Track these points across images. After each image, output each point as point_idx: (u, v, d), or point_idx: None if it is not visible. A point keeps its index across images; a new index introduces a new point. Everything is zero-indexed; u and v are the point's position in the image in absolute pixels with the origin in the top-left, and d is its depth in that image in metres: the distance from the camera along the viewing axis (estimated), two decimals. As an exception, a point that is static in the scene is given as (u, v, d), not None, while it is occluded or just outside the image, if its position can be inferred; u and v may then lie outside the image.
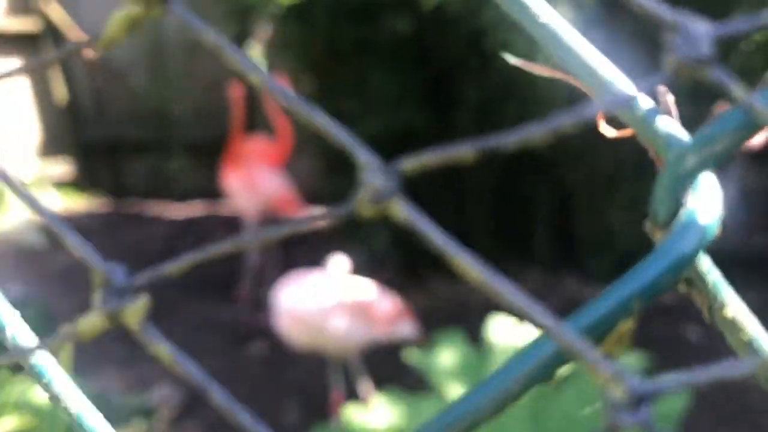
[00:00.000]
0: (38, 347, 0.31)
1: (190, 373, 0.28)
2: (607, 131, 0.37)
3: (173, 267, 0.29)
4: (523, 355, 0.27)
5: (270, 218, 3.89)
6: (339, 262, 2.75)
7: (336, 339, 2.63)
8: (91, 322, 0.28)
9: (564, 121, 0.23)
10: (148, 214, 5.24)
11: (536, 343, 0.27)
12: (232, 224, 4.96)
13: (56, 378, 0.33)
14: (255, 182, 3.72)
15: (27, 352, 0.33)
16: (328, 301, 2.61)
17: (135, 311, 0.28)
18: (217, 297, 4.09)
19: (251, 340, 3.70)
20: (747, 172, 3.69)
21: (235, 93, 3.80)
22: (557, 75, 0.38)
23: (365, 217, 0.25)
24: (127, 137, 5.13)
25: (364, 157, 0.25)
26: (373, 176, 0.25)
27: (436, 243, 0.25)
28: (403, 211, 0.25)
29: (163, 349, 0.29)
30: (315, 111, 0.27)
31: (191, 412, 3.23)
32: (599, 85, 0.33)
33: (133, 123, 5.38)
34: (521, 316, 0.24)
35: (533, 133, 0.24)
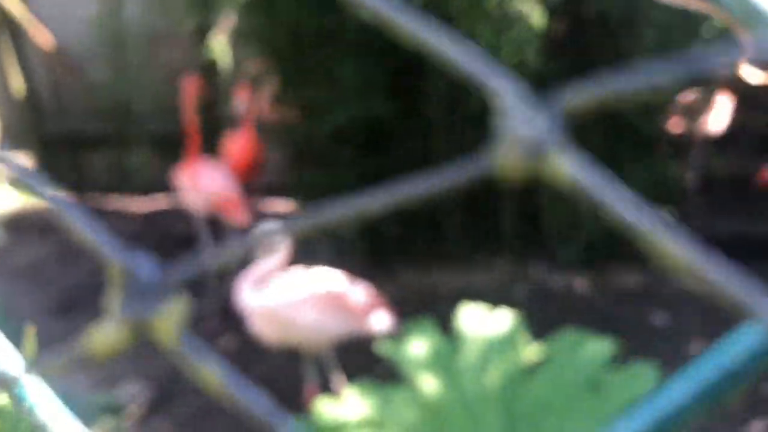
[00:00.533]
0: (29, 371, 0.24)
1: (249, 403, 0.21)
2: (752, 75, 0.32)
3: (216, 258, 0.21)
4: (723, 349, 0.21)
5: (217, 216, 3.85)
6: (266, 228, 2.65)
7: (310, 333, 2.59)
8: (109, 334, 0.20)
9: (711, 62, 0.18)
10: (110, 208, 5.15)
11: (738, 335, 0.21)
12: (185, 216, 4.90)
13: (43, 404, 0.25)
14: (198, 180, 3.69)
15: (12, 380, 0.24)
16: (299, 296, 2.58)
17: (170, 319, 0.20)
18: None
19: (218, 334, 3.65)
20: (710, 157, 3.73)
21: (190, 87, 3.74)
22: (696, 5, 0.32)
23: (509, 179, 0.18)
24: (87, 130, 5.03)
25: (509, 95, 0.18)
26: (524, 120, 0.17)
27: (624, 215, 0.17)
28: (572, 168, 0.17)
29: (210, 370, 0.21)
30: (433, 31, 0.19)
31: (160, 410, 3.19)
32: (754, 18, 0.25)
33: (94, 116, 5.26)
34: (733, 302, 0.18)
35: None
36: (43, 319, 3.74)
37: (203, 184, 3.70)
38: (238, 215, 3.67)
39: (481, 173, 0.17)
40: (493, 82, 0.17)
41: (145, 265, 0.20)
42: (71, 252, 4.54)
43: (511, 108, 0.17)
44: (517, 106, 0.17)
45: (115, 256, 0.20)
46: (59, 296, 4.04)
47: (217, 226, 3.96)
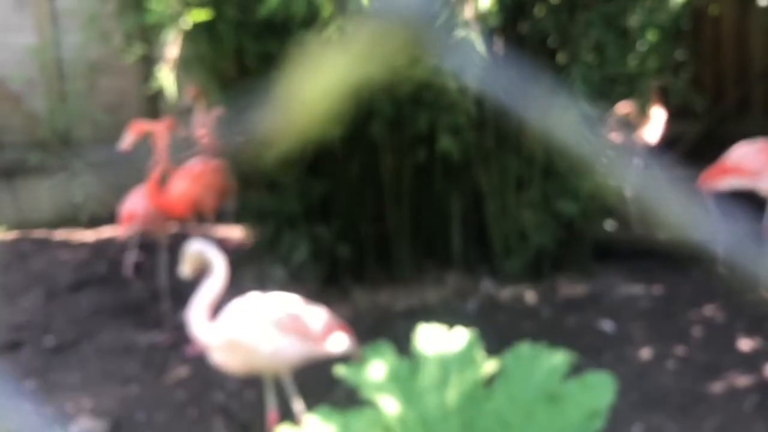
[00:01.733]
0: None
1: None
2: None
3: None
4: None
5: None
6: (201, 249, 2.62)
7: (272, 359, 2.59)
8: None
9: None
10: (55, 240, 5.07)
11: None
12: (142, 246, 4.85)
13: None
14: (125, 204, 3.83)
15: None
16: (260, 323, 2.58)
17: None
18: (133, 321, 4.00)
19: (171, 363, 3.63)
20: (648, 166, 3.85)
21: (165, 128, 3.83)
22: None
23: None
24: (27, 162, 4.95)
25: None
26: None
27: None
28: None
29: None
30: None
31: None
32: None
33: (33, 147, 5.19)
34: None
35: None
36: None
37: (125, 207, 3.80)
38: (121, 227, 3.83)
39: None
40: None
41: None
42: (16, 289, 4.47)
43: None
44: None
45: None
46: (3, 335, 3.94)
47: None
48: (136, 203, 3.80)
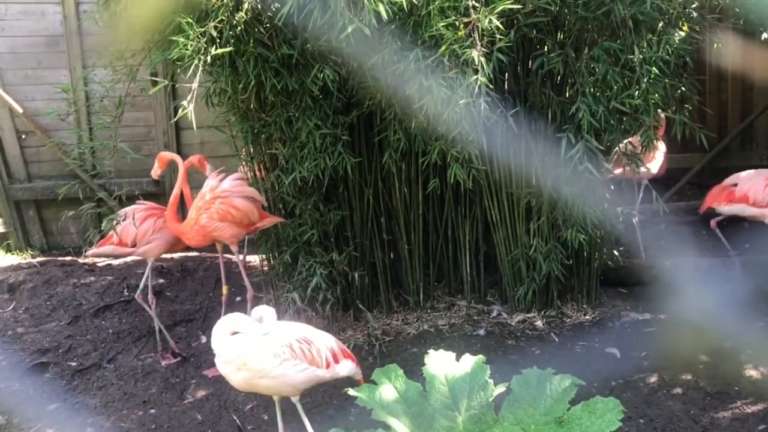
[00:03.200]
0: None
1: None
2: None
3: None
4: None
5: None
6: (264, 312, 2.76)
7: (280, 382, 2.69)
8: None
9: None
10: (81, 266, 5.17)
11: None
12: (161, 271, 4.94)
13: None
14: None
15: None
16: (270, 346, 2.68)
17: None
18: (154, 345, 4.08)
19: (189, 386, 3.70)
20: (653, 195, 3.92)
21: (192, 162, 3.96)
22: None
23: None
24: (56, 192, 5.09)
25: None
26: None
27: None
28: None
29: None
30: None
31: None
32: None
33: (63, 177, 5.33)
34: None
35: None
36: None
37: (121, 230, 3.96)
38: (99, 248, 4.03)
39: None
40: None
41: None
42: (43, 311, 4.55)
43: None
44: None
45: None
46: (29, 358, 4.03)
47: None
48: (146, 227, 3.91)
